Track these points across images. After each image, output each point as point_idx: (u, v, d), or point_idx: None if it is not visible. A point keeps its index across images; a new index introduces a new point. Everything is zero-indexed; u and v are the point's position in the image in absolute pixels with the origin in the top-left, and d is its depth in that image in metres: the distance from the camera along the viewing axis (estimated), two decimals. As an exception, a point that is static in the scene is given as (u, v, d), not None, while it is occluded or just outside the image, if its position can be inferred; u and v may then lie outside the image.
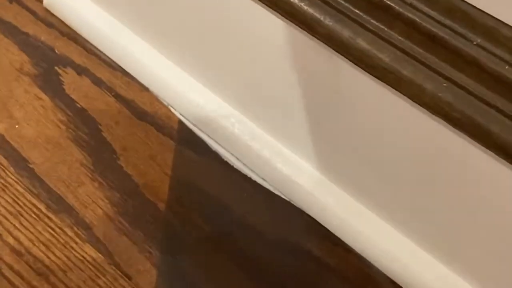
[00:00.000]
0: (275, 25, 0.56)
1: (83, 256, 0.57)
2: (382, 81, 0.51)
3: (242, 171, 0.63)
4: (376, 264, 0.57)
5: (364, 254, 0.58)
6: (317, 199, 0.60)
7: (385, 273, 0.57)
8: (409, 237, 0.57)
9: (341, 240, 0.59)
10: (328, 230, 0.59)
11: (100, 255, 0.58)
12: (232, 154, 0.63)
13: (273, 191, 0.62)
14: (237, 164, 0.63)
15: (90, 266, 0.57)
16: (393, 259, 0.57)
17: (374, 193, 0.58)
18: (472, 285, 0.56)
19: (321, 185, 0.60)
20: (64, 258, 0.57)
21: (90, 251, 0.58)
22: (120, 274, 0.57)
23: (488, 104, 0.47)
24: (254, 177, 0.62)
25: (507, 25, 0.46)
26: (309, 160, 0.61)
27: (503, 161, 0.47)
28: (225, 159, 0.63)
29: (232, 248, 0.59)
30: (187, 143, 0.64)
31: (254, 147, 0.63)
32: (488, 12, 0.46)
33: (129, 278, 0.57)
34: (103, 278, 0.56)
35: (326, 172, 0.60)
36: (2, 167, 0.62)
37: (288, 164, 0.62)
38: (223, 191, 0.62)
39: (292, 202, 0.61)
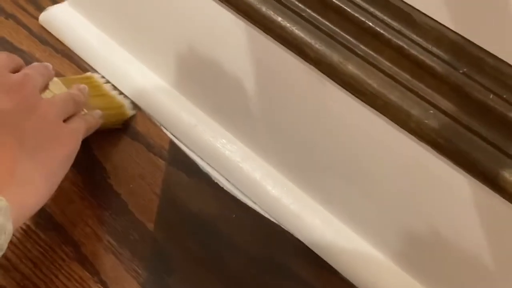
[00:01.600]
0: (267, 47, 0.57)
1: (70, 274, 0.58)
2: (369, 105, 0.52)
3: (232, 193, 0.63)
4: (356, 283, 0.58)
5: (348, 277, 0.59)
6: (304, 221, 0.60)
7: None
8: (393, 261, 0.58)
9: (326, 263, 0.59)
10: (312, 251, 0.60)
11: (87, 273, 0.58)
12: (222, 175, 0.64)
13: (262, 213, 0.62)
14: (227, 185, 0.63)
15: (77, 284, 0.57)
16: (375, 282, 0.58)
17: (359, 215, 0.59)
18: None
19: (307, 207, 0.61)
20: (52, 276, 0.57)
21: (77, 269, 0.58)
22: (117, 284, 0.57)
23: (472, 131, 0.48)
24: (243, 198, 0.63)
25: (492, 55, 0.47)
26: (297, 182, 0.62)
27: (486, 187, 0.48)
28: (215, 180, 0.64)
29: (220, 268, 0.59)
30: (178, 164, 0.65)
31: (244, 169, 0.63)
32: (475, 42, 0.47)
33: (116, 292, 0.57)
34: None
35: (313, 194, 0.61)
36: None
37: (278, 186, 0.62)
38: (212, 212, 0.62)
39: (280, 224, 0.61)
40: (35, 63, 0.60)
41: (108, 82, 0.69)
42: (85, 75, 0.68)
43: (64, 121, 0.56)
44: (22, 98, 0.53)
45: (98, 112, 0.62)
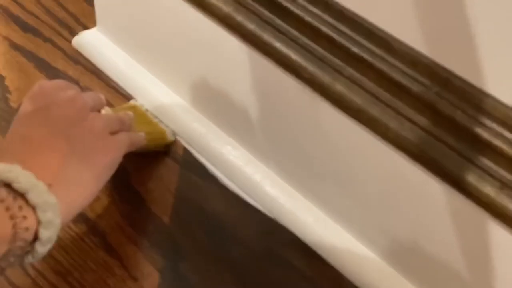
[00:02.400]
0: (267, 69, 0.57)
1: (96, 260, 0.58)
2: (355, 119, 0.52)
3: (236, 192, 0.63)
4: (347, 275, 0.58)
5: (336, 266, 0.58)
6: (298, 217, 0.60)
7: (354, 282, 0.57)
8: (374, 252, 0.58)
9: (317, 254, 0.59)
10: (307, 244, 0.59)
11: (111, 259, 0.58)
12: (228, 177, 0.64)
13: (261, 210, 0.62)
14: (232, 186, 0.63)
15: (102, 269, 0.57)
16: (359, 270, 0.58)
17: (346, 213, 0.59)
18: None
19: (302, 206, 0.61)
20: (81, 261, 0.58)
21: (103, 256, 0.58)
22: (128, 276, 0.57)
23: (442, 142, 0.48)
24: (246, 197, 0.63)
25: (459, 77, 0.47)
26: (292, 184, 0.62)
27: (454, 190, 0.49)
28: (222, 181, 0.64)
29: (224, 256, 0.59)
30: (190, 167, 0.65)
31: (247, 172, 0.63)
32: (444, 66, 0.48)
33: (135, 279, 0.57)
34: (113, 279, 0.57)
35: (306, 194, 0.61)
36: None
37: (276, 187, 0.62)
38: (218, 208, 0.62)
39: (277, 220, 0.61)
40: (90, 91, 0.61)
41: (148, 110, 0.68)
42: (131, 104, 0.68)
43: (111, 134, 0.56)
44: (73, 110, 0.53)
45: (141, 134, 0.61)
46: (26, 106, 0.54)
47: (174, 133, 0.66)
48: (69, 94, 0.55)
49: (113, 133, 0.56)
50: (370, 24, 0.51)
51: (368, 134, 0.52)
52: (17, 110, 0.67)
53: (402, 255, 0.55)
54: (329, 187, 0.58)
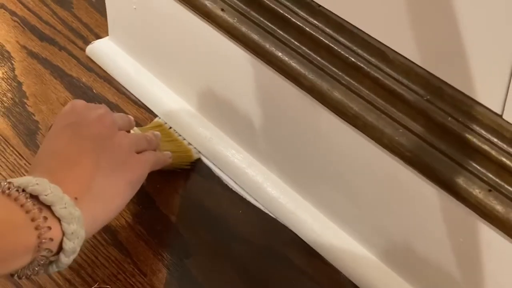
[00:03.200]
0: (269, 77, 0.57)
1: (108, 256, 0.58)
2: (351, 125, 0.53)
3: (239, 193, 0.63)
4: (343, 271, 0.58)
5: (334, 264, 0.58)
6: (298, 217, 0.60)
7: (350, 278, 0.57)
8: (370, 251, 0.58)
9: (316, 252, 0.59)
10: (306, 243, 0.59)
11: (122, 255, 0.58)
12: (231, 179, 0.64)
13: (263, 210, 0.62)
14: (235, 187, 0.63)
15: (113, 264, 0.57)
16: (355, 268, 0.58)
17: (343, 214, 0.59)
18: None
19: (301, 206, 0.61)
20: (93, 257, 0.57)
21: (114, 252, 0.58)
22: (137, 271, 0.57)
23: (434, 147, 0.49)
24: (248, 197, 0.63)
25: (450, 85, 0.48)
26: (292, 185, 0.62)
27: (445, 192, 0.49)
28: (226, 183, 0.64)
29: (228, 254, 0.59)
30: (196, 169, 0.65)
31: (249, 174, 0.63)
32: (436, 75, 0.48)
33: (145, 275, 0.57)
34: (123, 274, 0.57)
35: (305, 195, 0.61)
36: None
37: (277, 188, 0.62)
38: (223, 208, 0.62)
39: (278, 219, 0.61)
40: (120, 113, 0.61)
41: (172, 128, 0.67)
42: (157, 123, 0.67)
43: (138, 153, 0.55)
44: (101, 128, 0.53)
45: (168, 153, 0.61)
46: (57, 123, 0.54)
47: (198, 151, 0.65)
48: (98, 113, 0.54)
49: (139, 151, 0.55)
50: (367, 35, 0.51)
51: (364, 139, 0.52)
52: (33, 114, 0.68)
53: (397, 253, 0.55)
54: (327, 189, 0.59)
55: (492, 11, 0.43)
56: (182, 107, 0.68)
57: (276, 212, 0.61)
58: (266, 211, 0.62)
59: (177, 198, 0.62)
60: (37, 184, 0.46)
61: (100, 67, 0.73)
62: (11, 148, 0.65)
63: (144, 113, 0.69)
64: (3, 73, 0.72)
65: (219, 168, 0.65)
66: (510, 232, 0.46)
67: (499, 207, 0.46)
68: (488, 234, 0.48)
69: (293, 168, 0.61)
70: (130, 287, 0.56)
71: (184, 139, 0.66)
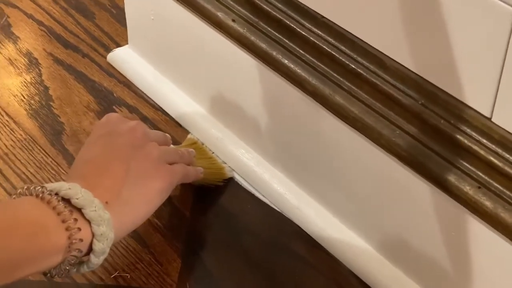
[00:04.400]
0: (276, 82, 0.58)
1: (127, 247, 0.58)
2: (352, 127, 0.53)
3: (248, 189, 0.63)
4: (344, 262, 0.58)
5: (335, 255, 0.58)
6: (302, 211, 0.60)
7: (350, 268, 0.57)
8: (368, 243, 0.58)
9: (318, 244, 0.59)
10: (309, 235, 0.59)
11: (140, 246, 0.58)
12: (241, 176, 0.64)
13: (270, 205, 0.62)
14: (245, 184, 0.63)
15: (132, 255, 0.57)
16: (354, 258, 0.58)
17: (343, 209, 0.59)
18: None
19: (305, 201, 0.61)
20: (114, 248, 0.57)
21: (133, 244, 0.58)
22: (154, 261, 0.57)
23: (427, 147, 0.49)
24: (257, 194, 0.63)
25: (443, 90, 0.48)
26: (297, 183, 0.62)
27: (437, 189, 0.49)
28: (236, 180, 0.64)
29: (238, 245, 0.59)
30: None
31: (257, 172, 0.63)
32: (430, 81, 0.48)
33: (161, 264, 0.57)
34: (141, 264, 0.57)
35: (309, 192, 0.61)
36: None
37: (282, 185, 0.62)
38: (233, 203, 0.62)
39: (284, 214, 0.61)
40: (157, 131, 0.60)
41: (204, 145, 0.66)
42: (191, 140, 0.65)
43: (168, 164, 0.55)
44: (133, 139, 0.53)
45: (199, 168, 0.59)
46: (93, 134, 0.54)
47: (232, 169, 0.64)
48: (131, 125, 0.54)
49: (170, 163, 0.54)
50: (366, 44, 0.51)
51: (363, 140, 0.53)
52: (58, 115, 0.69)
53: (393, 246, 0.55)
54: (329, 186, 0.59)
55: (480, 24, 0.44)
56: (195, 110, 0.68)
57: (282, 207, 0.62)
58: (273, 206, 0.62)
59: (191, 195, 0.62)
60: (69, 188, 0.46)
61: (120, 72, 0.73)
62: (39, 147, 0.66)
63: (161, 115, 0.69)
64: (31, 78, 0.73)
65: (229, 166, 0.64)
66: (497, 226, 0.46)
67: (487, 203, 0.46)
68: (477, 228, 0.48)
69: (297, 167, 0.61)
70: (148, 275, 0.56)
71: (218, 157, 0.64)
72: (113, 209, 0.47)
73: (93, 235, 0.45)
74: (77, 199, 0.45)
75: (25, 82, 0.72)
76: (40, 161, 0.64)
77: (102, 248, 0.46)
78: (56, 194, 0.45)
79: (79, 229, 0.45)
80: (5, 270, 0.42)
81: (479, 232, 0.48)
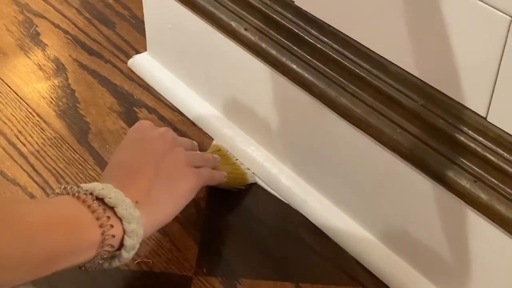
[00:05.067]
0: (285, 86, 0.57)
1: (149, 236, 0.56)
2: (356, 126, 0.52)
3: (258, 183, 0.62)
4: (347, 250, 0.57)
5: (339, 243, 0.58)
6: (308, 204, 0.60)
7: (353, 255, 0.56)
8: (371, 233, 0.56)
9: (324, 233, 0.58)
10: (315, 225, 0.59)
11: (160, 235, 0.57)
12: (251, 171, 0.63)
13: (279, 197, 0.61)
14: (255, 178, 0.62)
15: (153, 242, 0.57)
16: (357, 246, 0.57)
17: (347, 201, 0.58)
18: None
19: (311, 195, 0.60)
20: None
21: (154, 232, 0.56)
22: (174, 248, 0.56)
23: (427, 145, 0.48)
24: (266, 187, 0.62)
25: (441, 92, 0.47)
26: (303, 177, 0.61)
27: (436, 183, 0.48)
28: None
29: (249, 233, 0.58)
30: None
31: (266, 167, 0.62)
32: (429, 83, 0.47)
33: (180, 251, 0.56)
34: (162, 250, 0.56)
35: (315, 186, 0.60)
36: (96, 173, 0.62)
37: (290, 179, 0.61)
38: (244, 195, 0.61)
39: (291, 205, 0.60)
40: (186, 138, 0.59)
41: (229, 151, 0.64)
42: (216, 147, 0.63)
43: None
44: (161, 143, 0.52)
45: (223, 172, 0.58)
46: (126, 139, 0.54)
47: (254, 175, 0.62)
48: (160, 131, 0.54)
49: (196, 167, 0.54)
50: (369, 50, 0.50)
51: (367, 138, 0.52)
52: (84, 116, 0.68)
53: (394, 235, 0.55)
54: (333, 180, 0.58)
55: (478, 31, 0.43)
56: (209, 111, 0.68)
57: (290, 200, 0.61)
58: (282, 198, 0.61)
59: (206, 188, 0.61)
60: (102, 188, 0.45)
61: (139, 77, 0.73)
62: (67, 145, 0.65)
63: (177, 116, 0.68)
64: (58, 82, 0.72)
65: (240, 162, 0.63)
66: (492, 217, 0.46)
67: (483, 196, 0.45)
68: (473, 218, 0.47)
69: (304, 163, 0.60)
70: (168, 260, 0.55)
71: (242, 163, 0.62)
72: (143, 207, 0.46)
73: (124, 231, 0.45)
74: (109, 198, 0.45)
75: (53, 85, 0.71)
76: (69, 157, 0.64)
77: (132, 243, 0.45)
78: (91, 193, 0.45)
79: (112, 226, 0.44)
80: (44, 264, 0.41)
81: (475, 223, 0.47)
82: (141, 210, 0.46)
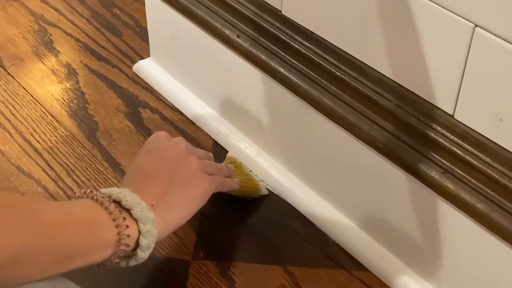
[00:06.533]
0: (274, 87, 0.57)
1: None
2: (337, 124, 0.52)
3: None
4: (331, 236, 0.57)
5: (323, 229, 0.58)
6: (296, 194, 0.60)
7: (336, 241, 0.57)
8: (351, 220, 0.57)
9: (309, 220, 0.58)
10: (302, 214, 0.59)
11: None
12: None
13: (269, 188, 0.61)
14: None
15: None
16: (339, 232, 0.57)
17: (330, 192, 0.58)
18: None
19: (298, 186, 0.60)
20: None
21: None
22: (174, 235, 0.56)
23: (400, 140, 0.48)
24: (257, 179, 0.61)
25: (413, 93, 0.47)
26: (291, 170, 0.61)
27: (409, 175, 0.48)
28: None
29: (244, 222, 0.58)
30: (217, 158, 0.63)
31: (258, 161, 0.62)
32: (402, 85, 0.48)
33: (179, 237, 0.56)
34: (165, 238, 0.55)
35: (302, 178, 0.60)
36: (104, 167, 0.62)
37: (279, 172, 0.61)
38: None
39: (280, 196, 0.60)
40: (202, 149, 0.58)
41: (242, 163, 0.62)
42: (230, 159, 0.61)
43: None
44: (176, 152, 0.51)
45: (236, 180, 0.57)
46: (143, 148, 0.53)
47: (267, 188, 0.60)
48: (175, 141, 0.53)
49: (209, 174, 0.52)
50: (349, 55, 0.51)
51: (347, 134, 0.52)
52: (93, 116, 0.68)
53: (372, 222, 0.55)
54: (318, 173, 0.58)
55: (445, 37, 0.43)
56: (206, 111, 0.67)
57: (279, 191, 0.61)
58: (272, 190, 0.61)
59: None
60: (120, 192, 0.44)
61: (144, 80, 0.72)
62: (77, 142, 0.65)
63: (178, 116, 0.68)
64: (70, 85, 0.72)
65: (255, 174, 0.62)
66: (459, 205, 0.46)
67: (451, 186, 0.46)
68: (442, 206, 0.47)
69: (292, 157, 0.60)
70: (169, 246, 0.55)
71: (256, 175, 0.61)
72: (157, 210, 0.46)
73: (139, 232, 0.44)
74: (126, 201, 0.44)
75: (65, 88, 0.71)
76: (79, 153, 0.64)
77: (147, 243, 0.44)
78: (109, 197, 0.44)
79: (127, 226, 0.43)
80: (62, 260, 0.41)
81: (444, 210, 0.47)
82: (156, 212, 0.45)
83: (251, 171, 0.61)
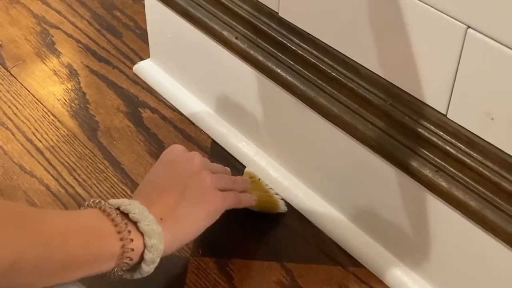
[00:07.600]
0: (271, 88, 0.57)
1: None
2: (333, 123, 0.52)
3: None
4: (326, 232, 0.57)
5: (317, 225, 0.58)
6: (293, 192, 0.60)
7: (331, 237, 0.57)
8: (345, 216, 0.57)
9: (304, 216, 0.58)
10: (298, 211, 0.59)
11: None
12: (242, 164, 0.63)
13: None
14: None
15: None
16: (333, 228, 0.57)
17: (325, 189, 0.58)
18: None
19: (294, 184, 0.60)
20: None
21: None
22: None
23: (394, 139, 0.48)
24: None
25: (407, 93, 0.47)
26: (288, 168, 0.61)
27: (402, 173, 0.48)
28: (238, 166, 0.63)
29: (241, 219, 0.58)
30: (216, 156, 0.64)
31: (256, 160, 0.62)
32: (396, 85, 0.48)
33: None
34: None
35: (298, 176, 0.60)
36: (104, 166, 0.62)
37: (276, 171, 0.61)
38: None
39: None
40: (219, 164, 0.55)
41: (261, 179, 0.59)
42: (249, 174, 0.59)
43: (222, 191, 0.50)
44: (190, 166, 0.50)
45: (253, 196, 0.55)
46: (159, 161, 0.52)
47: (286, 205, 0.58)
48: (190, 155, 0.51)
49: (223, 190, 0.50)
50: (344, 56, 0.50)
51: (342, 133, 0.52)
52: (94, 115, 0.68)
53: (365, 218, 0.55)
54: (314, 171, 0.58)
55: (438, 38, 0.43)
56: (205, 111, 0.67)
57: (277, 189, 0.60)
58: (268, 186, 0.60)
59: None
60: (129, 204, 0.43)
61: (143, 81, 0.72)
62: (78, 141, 0.65)
63: (177, 115, 0.68)
64: (71, 86, 0.72)
65: (233, 156, 0.63)
66: (451, 202, 0.46)
67: (443, 184, 0.46)
68: (435, 203, 0.47)
69: (288, 156, 0.60)
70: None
71: (277, 193, 0.58)
72: (166, 224, 0.44)
73: (144, 246, 0.43)
74: (134, 214, 0.43)
75: (66, 89, 0.71)
76: (80, 152, 0.64)
77: (152, 258, 0.43)
78: (117, 208, 0.43)
79: (132, 240, 0.42)
80: (63, 269, 0.40)
81: (437, 207, 0.47)
82: (164, 226, 0.44)
83: (270, 188, 0.58)
